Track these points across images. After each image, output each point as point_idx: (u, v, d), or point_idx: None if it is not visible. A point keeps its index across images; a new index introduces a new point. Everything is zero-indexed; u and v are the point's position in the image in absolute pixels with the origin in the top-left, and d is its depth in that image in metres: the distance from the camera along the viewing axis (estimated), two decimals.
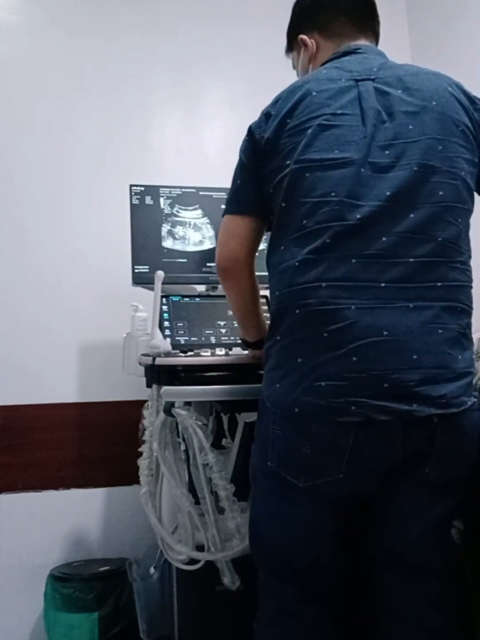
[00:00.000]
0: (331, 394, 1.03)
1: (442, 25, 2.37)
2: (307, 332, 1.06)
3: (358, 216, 1.05)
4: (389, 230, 1.05)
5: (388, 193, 1.06)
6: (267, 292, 1.77)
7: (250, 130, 1.20)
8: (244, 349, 1.52)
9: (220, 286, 1.84)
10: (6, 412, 2.06)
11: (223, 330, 1.71)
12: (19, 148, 2.16)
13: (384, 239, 1.05)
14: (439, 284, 1.05)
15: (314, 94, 1.12)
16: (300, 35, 1.31)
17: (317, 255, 1.06)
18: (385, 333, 1.02)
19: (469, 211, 1.13)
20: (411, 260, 1.05)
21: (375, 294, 1.04)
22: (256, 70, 2.34)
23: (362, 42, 1.25)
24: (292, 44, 1.36)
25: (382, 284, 1.04)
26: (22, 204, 2.14)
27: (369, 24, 1.29)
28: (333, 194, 1.07)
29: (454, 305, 1.07)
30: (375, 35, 1.30)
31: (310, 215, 1.08)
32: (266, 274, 1.24)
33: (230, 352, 1.50)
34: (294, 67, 1.39)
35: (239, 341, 1.50)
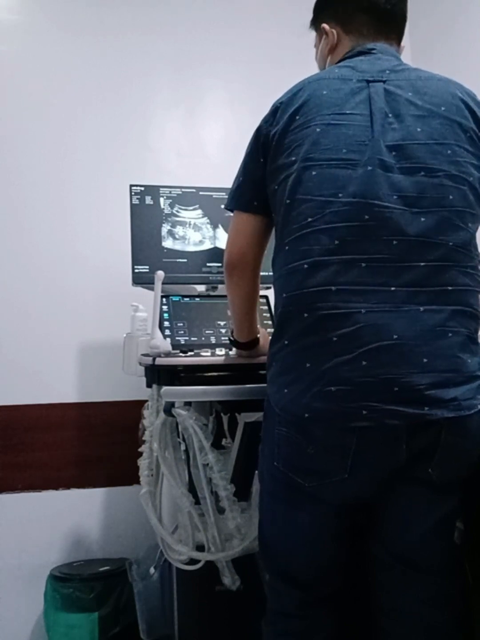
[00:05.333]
0: (342, 399, 1.02)
1: (442, 26, 2.37)
2: (316, 337, 1.05)
3: (366, 217, 1.04)
4: (400, 234, 1.04)
5: (396, 196, 1.05)
6: (266, 292, 1.78)
7: (259, 127, 1.19)
8: (229, 349, 1.51)
9: (220, 286, 1.85)
10: (6, 412, 2.06)
11: (223, 330, 1.71)
12: (19, 148, 2.15)
13: (394, 242, 1.04)
14: (450, 288, 1.05)
15: (324, 92, 1.12)
16: (323, 24, 1.28)
17: (326, 258, 1.05)
18: (395, 337, 1.01)
19: (477, 216, 1.12)
20: (422, 264, 1.04)
21: (385, 298, 1.03)
22: (256, 71, 2.35)
23: (380, 43, 1.22)
24: (317, 24, 1.33)
25: (393, 288, 1.03)
26: (23, 204, 2.14)
27: (390, 24, 1.25)
28: (340, 194, 1.06)
29: (464, 309, 1.06)
30: (398, 36, 1.27)
31: (316, 214, 1.07)
32: (268, 273, 1.23)
33: (230, 352, 1.49)
34: (315, 46, 1.37)
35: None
